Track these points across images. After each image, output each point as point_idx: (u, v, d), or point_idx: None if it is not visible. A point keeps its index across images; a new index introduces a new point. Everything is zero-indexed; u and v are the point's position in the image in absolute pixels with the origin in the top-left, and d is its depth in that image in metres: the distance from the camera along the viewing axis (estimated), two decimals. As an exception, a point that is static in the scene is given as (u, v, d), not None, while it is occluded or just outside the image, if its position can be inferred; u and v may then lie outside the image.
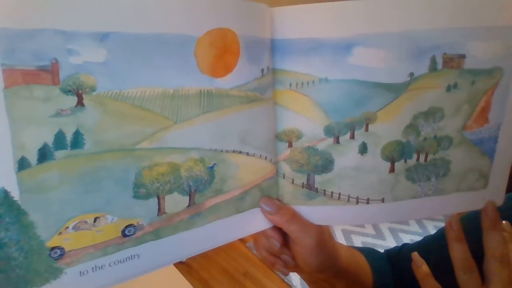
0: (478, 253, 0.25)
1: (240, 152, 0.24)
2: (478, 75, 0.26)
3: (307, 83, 0.25)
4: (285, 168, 0.27)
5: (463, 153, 0.27)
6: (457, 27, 0.24)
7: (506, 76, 0.26)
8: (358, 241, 1.60)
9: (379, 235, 1.64)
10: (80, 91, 0.18)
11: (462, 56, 0.25)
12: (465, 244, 0.25)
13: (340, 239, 1.61)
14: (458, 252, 0.25)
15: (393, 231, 1.66)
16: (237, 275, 1.42)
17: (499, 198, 0.29)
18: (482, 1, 0.24)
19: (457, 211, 0.29)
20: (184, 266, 1.42)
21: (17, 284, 0.18)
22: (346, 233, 1.65)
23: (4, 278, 0.18)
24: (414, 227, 1.70)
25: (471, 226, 0.26)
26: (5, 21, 0.16)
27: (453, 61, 0.25)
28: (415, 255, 0.27)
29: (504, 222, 0.25)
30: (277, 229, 0.27)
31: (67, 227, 0.19)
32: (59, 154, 0.18)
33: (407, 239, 1.61)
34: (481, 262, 0.25)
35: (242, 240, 1.53)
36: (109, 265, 0.20)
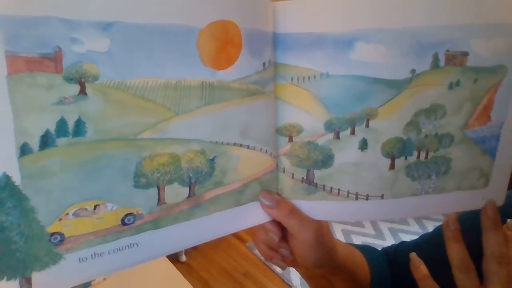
0: (476, 253, 0.25)
1: (240, 145, 0.24)
2: (481, 73, 0.26)
3: (309, 77, 0.25)
4: (285, 162, 0.27)
5: (464, 151, 0.27)
6: (459, 24, 0.24)
7: (509, 74, 0.26)
8: (358, 241, 1.59)
9: (379, 235, 1.64)
10: (83, 80, 0.18)
11: (465, 54, 0.25)
12: (463, 243, 0.25)
13: (340, 238, 1.61)
14: (456, 252, 0.25)
15: (393, 231, 1.65)
16: (237, 275, 1.42)
17: (500, 198, 0.28)
18: None
19: (457, 210, 0.28)
20: (184, 266, 1.42)
21: (17, 268, 0.18)
22: (346, 233, 1.64)
23: (4, 261, 0.18)
24: (414, 227, 1.69)
25: (469, 225, 0.25)
26: (9, 8, 0.16)
27: (456, 59, 0.25)
28: (413, 255, 0.27)
29: (509, 220, 0.25)
30: (276, 223, 0.27)
31: (67, 214, 0.19)
32: (61, 141, 0.18)
33: (407, 239, 1.59)
34: (479, 262, 0.25)
35: (242, 240, 1.53)
36: (108, 252, 0.21)
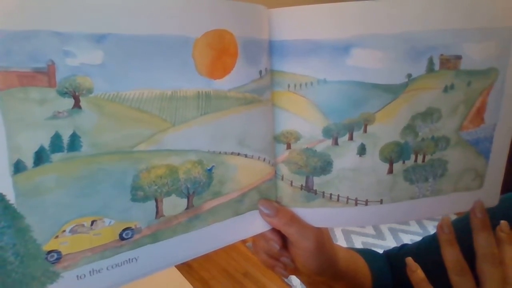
0: (471, 255, 0.25)
1: (238, 154, 0.24)
2: (474, 76, 0.26)
3: (306, 84, 0.25)
4: (284, 170, 0.27)
5: (459, 153, 0.27)
6: (452, 28, 0.24)
7: (501, 76, 0.26)
8: (358, 241, 1.60)
9: (379, 235, 1.64)
10: (76, 93, 0.18)
11: (459, 57, 0.25)
12: (457, 246, 0.25)
13: (340, 239, 1.62)
14: (450, 254, 0.25)
15: (393, 231, 1.66)
16: (237, 275, 1.41)
17: (494, 198, 0.29)
18: (476, 3, 0.24)
19: (454, 211, 0.29)
20: (184, 266, 1.41)
21: (13, 289, 0.18)
22: (346, 233, 1.65)
23: (0, 282, 0.17)
24: (414, 227, 1.70)
25: (463, 228, 0.26)
26: (0, 23, 0.16)
27: (450, 62, 0.25)
28: (409, 260, 0.27)
29: (502, 221, 0.25)
30: (276, 231, 0.27)
31: (64, 231, 0.19)
32: (55, 157, 0.18)
33: (407, 239, 1.62)
34: (475, 264, 0.25)
35: (242, 241, 1.52)
36: (107, 268, 0.20)
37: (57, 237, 0.19)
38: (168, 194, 0.22)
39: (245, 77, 0.23)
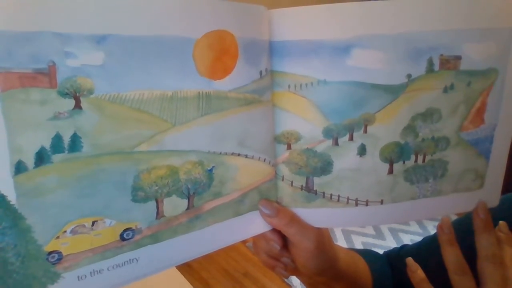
0: (471, 255, 0.25)
1: (239, 155, 0.24)
2: (474, 76, 0.26)
3: (306, 84, 0.25)
4: (284, 170, 0.27)
5: (460, 153, 0.28)
6: (452, 29, 0.24)
7: (500, 77, 0.26)
8: (358, 241, 1.60)
9: (379, 235, 1.64)
10: (77, 94, 0.18)
11: (458, 58, 0.25)
12: (457, 247, 0.25)
13: (340, 239, 1.61)
14: (451, 255, 0.25)
15: (393, 231, 1.66)
16: (237, 275, 1.41)
17: (495, 199, 0.29)
18: (476, 3, 0.24)
19: (454, 212, 0.29)
20: (184, 266, 1.41)
21: (14, 289, 0.18)
22: (346, 233, 1.65)
23: (1, 283, 0.17)
24: (414, 227, 1.70)
25: (463, 228, 0.26)
26: (1, 24, 0.16)
27: (450, 63, 0.25)
28: (410, 260, 0.27)
29: (501, 222, 0.25)
30: (277, 232, 0.27)
31: (65, 231, 0.19)
32: (56, 157, 0.18)
33: (407, 239, 1.62)
34: (475, 264, 0.25)
35: (242, 241, 1.52)
36: (108, 269, 0.20)
37: (58, 237, 0.19)
38: (168, 194, 0.22)
39: (245, 77, 0.23)
